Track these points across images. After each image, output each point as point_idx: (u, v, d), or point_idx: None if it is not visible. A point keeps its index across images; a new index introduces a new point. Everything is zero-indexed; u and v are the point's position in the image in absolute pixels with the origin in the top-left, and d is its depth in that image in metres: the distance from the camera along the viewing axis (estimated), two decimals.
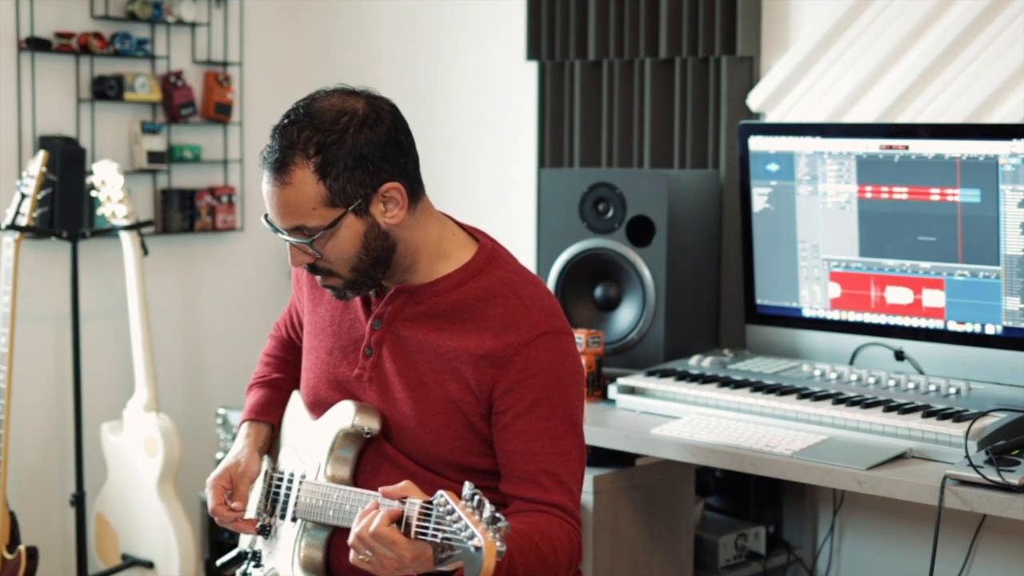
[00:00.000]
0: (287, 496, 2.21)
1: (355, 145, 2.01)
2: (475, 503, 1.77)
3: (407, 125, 2.10)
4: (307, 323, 2.29)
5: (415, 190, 2.09)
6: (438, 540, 1.81)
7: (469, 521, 1.75)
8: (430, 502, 1.85)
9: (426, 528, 1.84)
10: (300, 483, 2.18)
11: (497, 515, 1.74)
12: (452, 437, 2.09)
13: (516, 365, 2.05)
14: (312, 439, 2.20)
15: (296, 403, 2.33)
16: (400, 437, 2.12)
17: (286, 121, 2.04)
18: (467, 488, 1.79)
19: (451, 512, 1.78)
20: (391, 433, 2.13)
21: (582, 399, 2.14)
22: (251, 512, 2.29)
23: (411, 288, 2.13)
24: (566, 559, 2.03)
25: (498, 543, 1.72)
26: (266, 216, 2.09)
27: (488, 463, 2.11)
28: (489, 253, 2.16)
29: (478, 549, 1.72)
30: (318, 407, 2.22)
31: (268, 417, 2.33)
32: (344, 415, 2.14)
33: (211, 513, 2.20)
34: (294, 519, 2.18)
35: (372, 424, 2.12)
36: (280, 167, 2.01)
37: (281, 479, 2.24)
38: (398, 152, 2.05)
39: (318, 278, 2.13)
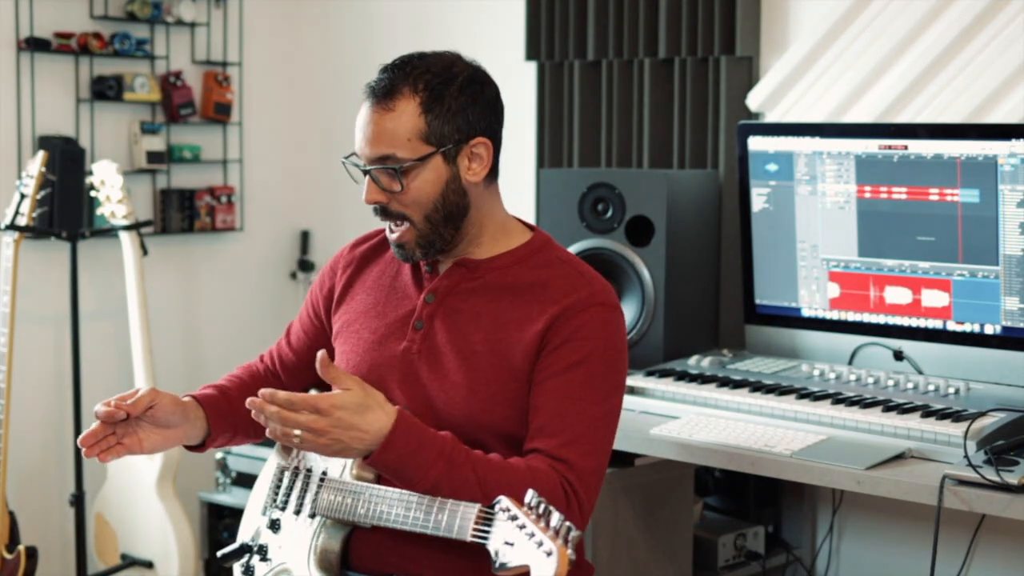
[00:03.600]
0: (304, 492, 2.20)
1: (461, 94, 2.09)
2: (540, 511, 1.73)
3: (504, 109, 2.18)
4: (341, 316, 2.27)
5: (496, 162, 2.16)
6: (500, 545, 1.78)
7: (536, 528, 1.71)
8: (491, 506, 1.83)
9: (487, 533, 1.82)
10: (321, 480, 2.16)
11: (567, 523, 1.71)
12: (504, 406, 2.09)
13: (567, 327, 2.08)
14: None
15: None
16: (449, 408, 2.11)
17: (399, 59, 2.12)
18: (530, 495, 1.76)
19: (515, 518, 1.75)
20: (438, 406, 2.12)
21: (623, 378, 2.15)
22: (258, 506, 2.29)
23: (471, 263, 2.17)
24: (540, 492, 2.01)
25: (569, 551, 1.68)
26: (347, 156, 2.14)
27: None
28: (545, 238, 2.23)
29: (549, 554, 1.68)
30: None
31: (208, 406, 2.29)
32: None
33: (95, 414, 2.15)
34: (312, 516, 2.16)
35: None
36: (386, 93, 2.08)
37: (297, 474, 2.23)
38: (494, 117, 2.15)
39: (391, 233, 2.14)
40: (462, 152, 2.11)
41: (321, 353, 2.00)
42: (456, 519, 1.90)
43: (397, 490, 2.03)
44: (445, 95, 2.08)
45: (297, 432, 1.96)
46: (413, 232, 2.12)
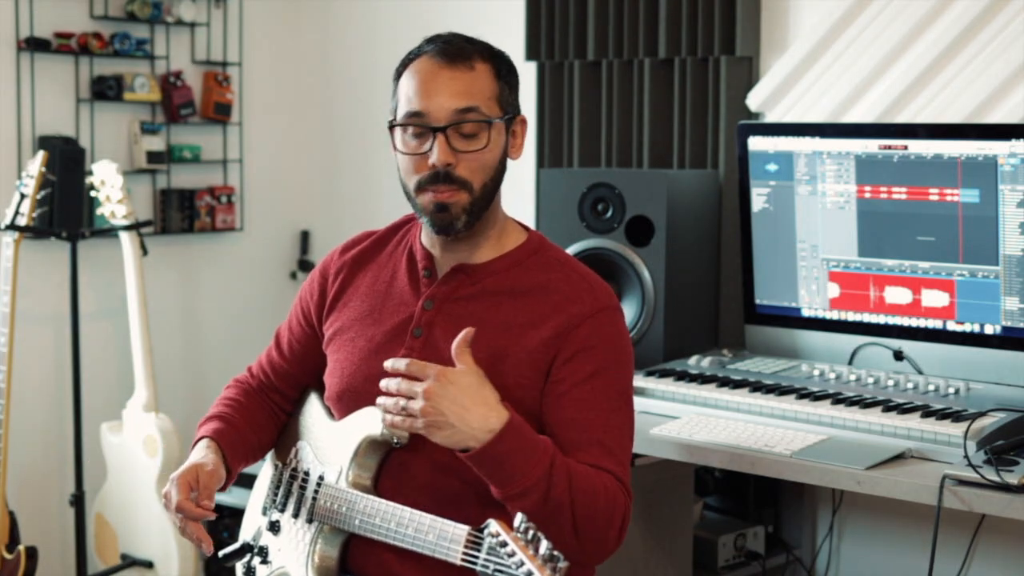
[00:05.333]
0: (301, 495, 2.19)
1: (510, 72, 2.15)
2: (529, 536, 1.71)
3: None
4: (333, 323, 2.24)
5: None
6: (488, 571, 1.77)
7: (524, 556, 1.69)
8: (480, 530, 1.80)
9: (475, 558, 1.80)
10: (318, 485, 2.16)
11: (555, 553, 1.69)
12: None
13: (578, 336, 2.07)
14: (333, 441, 2.16)
15: (313, 402, 2.30)
16: None
17: (446, 33, 2.14)
18: (519, 519, 1.74)
19: (504, 544, 1.73)
20: None
21: (633, 376, 2.16)
22: (259, 505, 2.29)
23: (468, 267, 2.15)
24: (609, 509, 1.99)
25: None
26: (396, 122, 2.10)
27: None
28: (540, 238, 2.22)
29: None
30: (347, 398, 2.17)
31: (224, 443, 2.23)
32: (372, 422, 2.10)
33: (176, 509, 2.07)
34: (309, 520, 2.15)
35: (401, 433, 2.08)
36: (463, 54, 2.09)
37: (295, 476, 2.22)
38: None
39: (440, 197, 2.07)
40: (512, 125, 2.14)
41: (468, 331, 1.99)
42: (446, 541, 1.88)
43: (391, 504, 2.01)
44: (505, 68, 2.12)
45: (404, 403, 1.95)
46: (467, 198, 2.08)
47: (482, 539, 1.80)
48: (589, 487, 1.98)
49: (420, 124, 2.07)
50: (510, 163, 2.18)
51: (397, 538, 1.98)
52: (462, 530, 1.85)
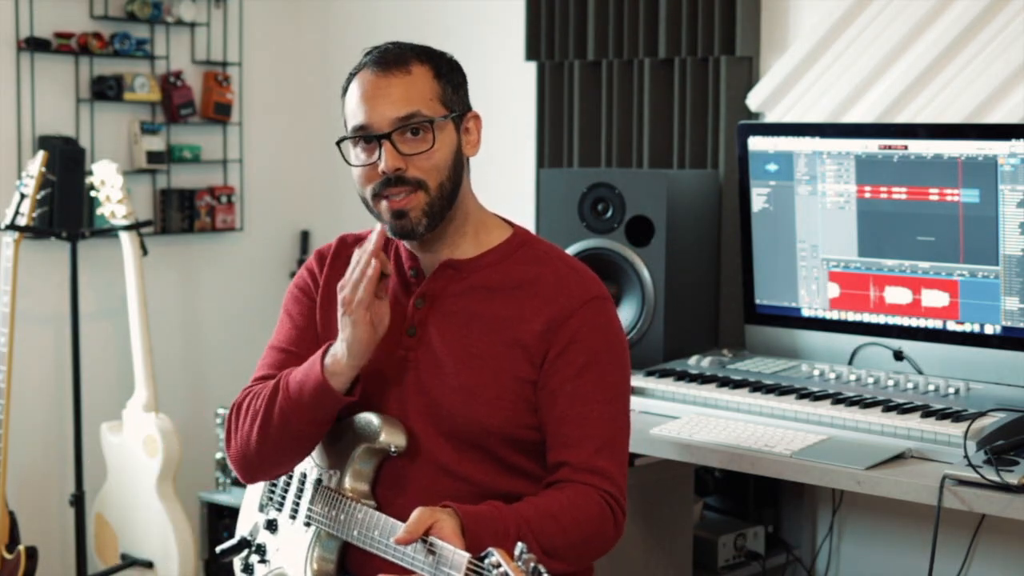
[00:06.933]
0: (299, 496, 2.18)
1: (453, 71, 2.15)
2: (530, 568, 1.69)
3: None
4: (327, 318, 2.22)
5: None
6: None
7: None
8: (481, 558, 1.78)
9: None
10: (315, 488, 2.15)
11: None
12: (507, 408, 2.08)
13: (570, 328, 2.08)
14: (331, 444, 2.15)
15: None
16: (452, 413, 2.08)
17: (383, 44, 2.14)
18: (519, 549, 1.72)
19: (505, 575, 1.71)
20: (441, 412, 2.09)
21: (629, 364, 2.16)
22: (255, 501, 2.28)
23: (457, 263, 2.15)
24: (588, 527, 2.01)
25: None
26: (346, 137, 2.12)
27: (535, 436, 2.10)
28: (525, 233, 2.23)
29: None
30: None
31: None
32: (369, 429, 2.09)
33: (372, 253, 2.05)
34: (307, 523, 2.14)
35: (399, 441, 2.07)
36: (400, 60, 2.10)
37: (292, 475, 2.21)
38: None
39: (397, 202, 2.08)
40: (463, 122, 2.15)
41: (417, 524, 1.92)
42: (446, 567, 1.84)
43: (390, 519, 2.00)
44: (446, 69, 2.13)
45: None
46: (424, 199, 2.08)
47: (483, 569, 1.77)
48: (556, 529, 1.97)
49: (365, 136, 2.09)
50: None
51: (396, 557, 1.94)
52: (462, 557, 1.82)
